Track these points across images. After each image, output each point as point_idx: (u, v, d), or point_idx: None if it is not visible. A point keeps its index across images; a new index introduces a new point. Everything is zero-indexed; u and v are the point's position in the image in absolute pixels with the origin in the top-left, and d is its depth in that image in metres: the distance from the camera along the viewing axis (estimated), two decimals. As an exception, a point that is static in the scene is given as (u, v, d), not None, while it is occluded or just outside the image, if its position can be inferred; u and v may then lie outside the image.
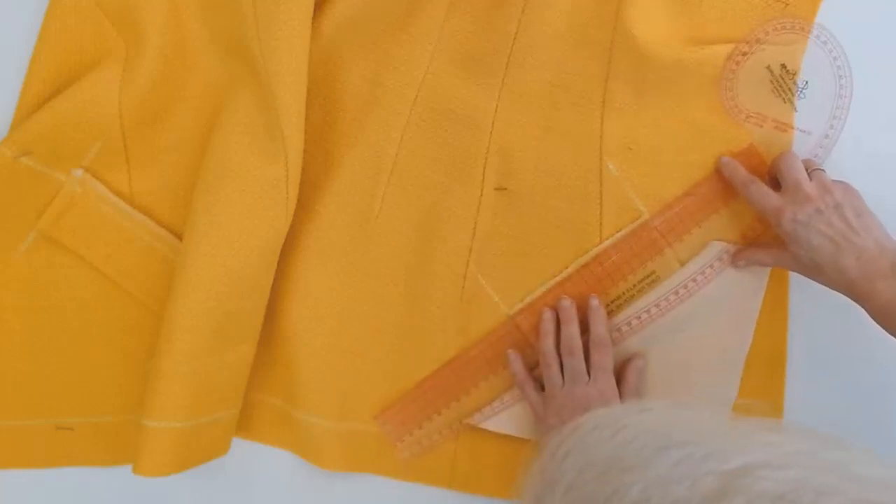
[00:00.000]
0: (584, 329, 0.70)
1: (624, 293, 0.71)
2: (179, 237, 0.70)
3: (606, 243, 0.71)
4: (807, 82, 0.69)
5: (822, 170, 0.66)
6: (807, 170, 0.66)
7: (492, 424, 0.73)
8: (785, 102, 0.69)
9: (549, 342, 0.70)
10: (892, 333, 0.60)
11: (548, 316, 0.71)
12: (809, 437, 0.30)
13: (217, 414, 0.70)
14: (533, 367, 0.72)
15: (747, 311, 0.71)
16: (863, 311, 0.62)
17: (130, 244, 0.72)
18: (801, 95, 0.69)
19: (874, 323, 0.61)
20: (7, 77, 0.70)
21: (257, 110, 0.66)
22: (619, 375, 0.70)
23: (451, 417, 0.74)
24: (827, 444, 0.30)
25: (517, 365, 0.72)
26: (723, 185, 0.70)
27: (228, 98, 0.69)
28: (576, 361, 0.69)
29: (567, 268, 0.72)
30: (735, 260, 0.70)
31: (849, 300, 0.62)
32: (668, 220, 0.71)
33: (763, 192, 0.66)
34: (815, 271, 0.64)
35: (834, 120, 0.69)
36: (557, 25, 0.70)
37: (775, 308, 0.71)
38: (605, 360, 0.69)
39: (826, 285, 0.64)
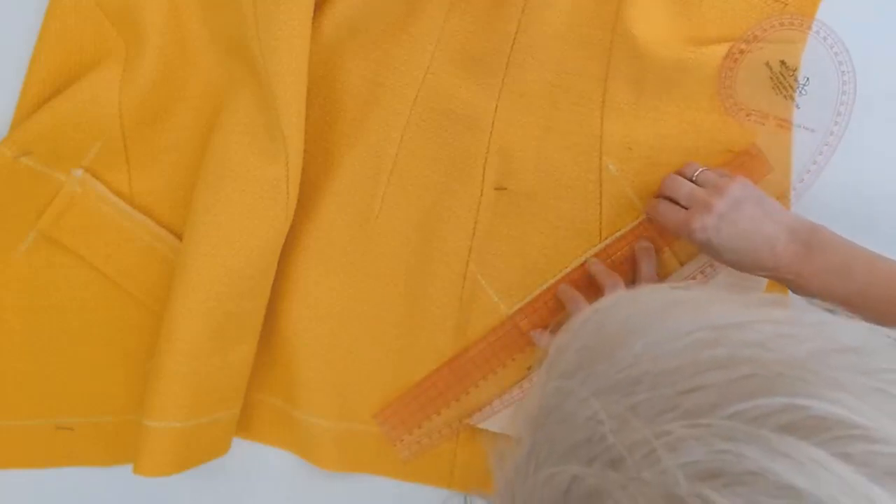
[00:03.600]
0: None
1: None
2: (179, 237, 0.70)
3: (605, 242, 0.71)
4: (808, 79, 0.69)
5: (704, 169, 0.67)
6: (691, 176, 0.66)
7: (491, 424, 0.73)
8: (786, 99, 0.69)
9: (572, 290, 0.70)
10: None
11: (564, 284, 0.71)
12: (805, 307, 0.34)
13: (217, 414, 0.69)
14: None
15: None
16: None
17: (130, 244, 0.72)
18: (803, 92, 0.69)
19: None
20: (7, 77, 0.70)
21: (257, 110, 0.66)
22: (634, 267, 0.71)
23: (450, 417, 0.74)
24: (815, 310, 0.33)
25: (544, 338, 0.71)
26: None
27: (228, 98, 0.69)
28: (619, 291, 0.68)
29: (567, 267, 0.72)
30: (649, 213, 0.69)
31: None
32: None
33: (669, 207, 0.66)
34: (737, 267, 0.64)
35: (838, 116, 0.69)
36: (557, 25, 0.70)
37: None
38: None
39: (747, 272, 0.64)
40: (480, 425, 0.73)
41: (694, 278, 0.70)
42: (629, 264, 0.71)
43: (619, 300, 0.35)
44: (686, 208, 0.65)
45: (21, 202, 0.70)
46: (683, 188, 0.66)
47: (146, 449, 0.66)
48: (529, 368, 0.73)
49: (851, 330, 0.31)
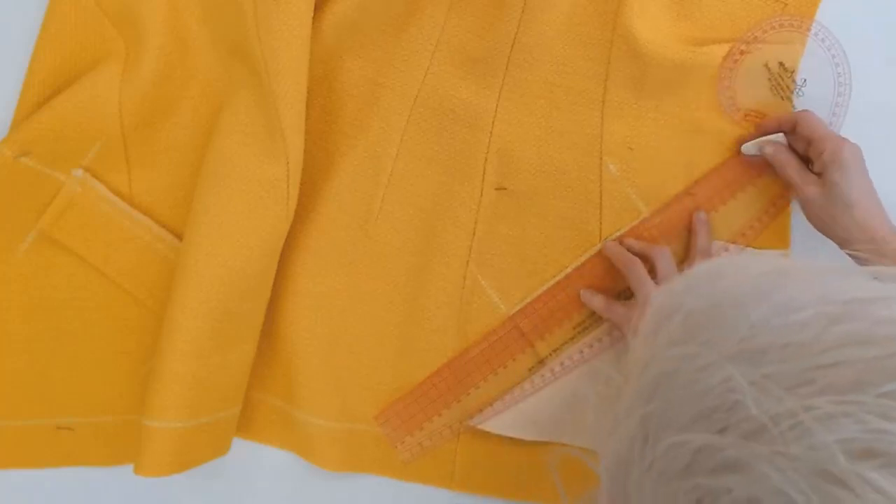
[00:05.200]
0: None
1: (625, 291, 0.72)
2: (179, 237, 0.70)
3: (606, 242, 0.71)
4: (805, 80, 0.69)
5: None
6: None
7: (492, 426, 0.73)
8: (783, 100, 0.69)
9: (628, 254, 0.69)
10: None
11: (612, 243, 0.71)
12: None
13: (218, 414, 0.69)
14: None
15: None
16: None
17: (130, 244, 0.72)
18: (800, 93, 0.69)
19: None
20: (7, 77, 0.70)
21: (258, 110, 0.66)
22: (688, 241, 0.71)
23: (451, 418, 0.74)
24: None
25: (595, 298, 0.70)
26: (722, 184, 0.70)
27: (228, 98, 0.69)
28: (667, 262, 0.67)
29: (567, 268, 0.72)
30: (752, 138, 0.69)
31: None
32: (668, 218, 0.71)
33: (821, 119, 0.66)
34: (842, 211, 0.62)
35: (833, 118, 0.69)
36: (557, 25, 0.70)
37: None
38: None
39: (837, 232, 0.63)
40: (481, 426, 0.73)
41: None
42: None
43: (722, 266, 0.34)
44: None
45: (21, 202, 0.70)
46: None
47: (147, 449, 0.65)
48: (531, 369, 0.73)
49: None
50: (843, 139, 0.63)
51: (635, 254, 0.69)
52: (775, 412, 0.27)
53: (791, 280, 0.31)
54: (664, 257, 0.67)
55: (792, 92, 0.69)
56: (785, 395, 0.27)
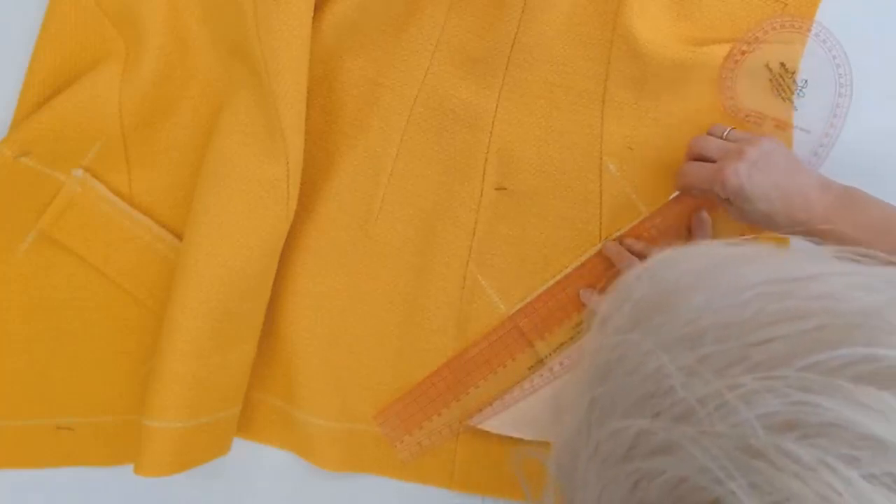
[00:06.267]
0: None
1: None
2: (179, 237, 0.70)
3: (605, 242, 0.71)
4: (806, 81, 0.69)
5: (733, 129, 0.66)
6: (720, 135, 0.66)
7: (492, 425, 0.73)
8: (784, 101, 0.69)
9: (628, 254, 0.69)
10: None
11: (610, 242, 0.71)
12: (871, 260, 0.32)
13: (218, 413, 0.69)
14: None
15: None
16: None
17: (130, 244, 0.72)
18: (801, 94, 0.69)
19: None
20: (7, 77, 0.70)
21: (258, 110, 0.66)
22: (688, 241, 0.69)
23: (451, 418, 0.74)
24: (883, 264, 0.32)
25: (595, 298, 0.70)
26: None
27: (228, 98, 0.69)
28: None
29: (567, 268, 0.72)
30: (678, 183, 0.68)
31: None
32: (668, 218, 0.71)
33: (697, 166, 0.65)
34: (768, 222, 0.62)
35: (834, 118, 0.69)
36: (557, 25, 0.70)
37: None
38: None
39: (781, 233, 0.62)
40: (480, 426, 0.73)
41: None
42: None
43: (671, 255, 0.35)
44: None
45: (21, 202, 0.70)
46: (714, 142, 0.65)
47: (147, 449, 0.66)
48: (530, 368, 0.73)
49: None
50: (722, 168, 0.61)
51: (635, 254, 0.69)
52: (703, 394, 0.28)
53: (737, 264, 0.32)
54: None
55: (793, 93, 0.69)
56: (713, 378, 0.28)
